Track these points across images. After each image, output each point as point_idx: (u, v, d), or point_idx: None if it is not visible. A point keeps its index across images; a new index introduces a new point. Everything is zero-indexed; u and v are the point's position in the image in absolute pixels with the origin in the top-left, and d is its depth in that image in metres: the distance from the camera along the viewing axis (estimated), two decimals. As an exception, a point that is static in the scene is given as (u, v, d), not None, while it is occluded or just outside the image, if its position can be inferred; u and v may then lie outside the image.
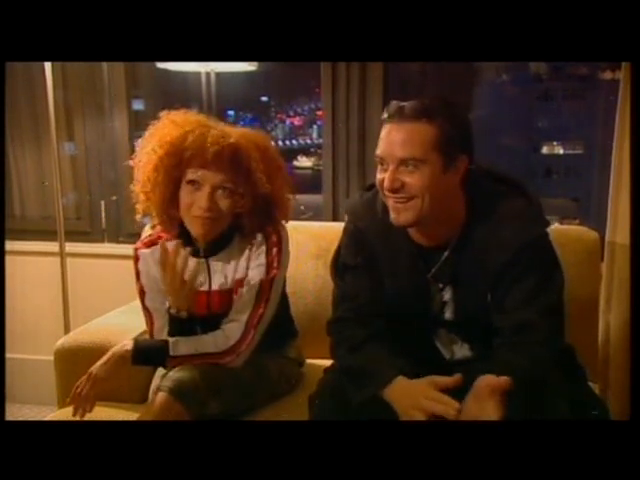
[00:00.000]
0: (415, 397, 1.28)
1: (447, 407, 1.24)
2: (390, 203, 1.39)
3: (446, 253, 1.45)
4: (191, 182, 1.55)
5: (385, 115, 1.38)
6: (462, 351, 1.53)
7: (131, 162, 1.62)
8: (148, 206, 1.61)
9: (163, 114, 1.60)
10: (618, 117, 1.96)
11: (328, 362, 1.57)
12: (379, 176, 1.39)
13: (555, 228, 1.89)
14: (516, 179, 1.48)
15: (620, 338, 1.99)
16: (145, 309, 1.67)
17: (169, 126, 1.56)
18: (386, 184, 1.36)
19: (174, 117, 1.58)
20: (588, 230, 1.94)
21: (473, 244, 1.42)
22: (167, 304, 1.59)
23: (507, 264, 1.38)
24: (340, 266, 1.55)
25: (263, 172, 1.56)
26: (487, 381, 1.24)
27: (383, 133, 1.38)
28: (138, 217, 1.67)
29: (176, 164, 1.55)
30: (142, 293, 1.67)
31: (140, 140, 1.60)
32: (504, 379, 1.23)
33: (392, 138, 1.35)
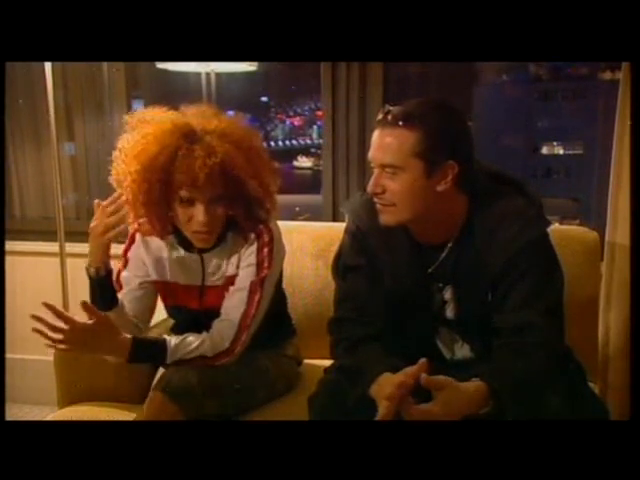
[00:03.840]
0: (386, 388, 1.28)
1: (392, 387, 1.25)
2: (377, 204, 1.43)
3: (445, 252, 1.45)
4: (184, 199, 1.52)
5: (377, 118, 1.40)
6: (462, 351, 1.53)
7: (111, 180, 1.58)
8: (140, 217, 1.58)
9: (130, 120, 1.55)
10: (618, 117, 1.96)
11: (328, 362, 1.57)
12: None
13: (555, 228, 1.89)
14: (517, 179, 1.49)
15: (620, 338, 1.99)
16: (117, 282, 1.67)
17: (143, 144, 1.49)
18: (368, 188, 1.41)
19: (146, 130, 1.51)
20: (588, 230, 1.94)
21: (473, 244, 1.42)
22: (149, 280, 1.66)
23: (507, 264, 1.38)
24: (341, 266, 1.55)
25: (253, 176, 1.54)
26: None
27: (373, 136, 1.41)
28: (130, 228, 1.64)
29: (167, 186, 1.50)
30: (123, 265, 1.69)
31: (115, 153, 1.54)
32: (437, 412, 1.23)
33: (377, 143, 1.38)
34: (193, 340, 1.56)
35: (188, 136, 1.50)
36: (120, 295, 1.66)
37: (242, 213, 1.59)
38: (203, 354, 1.55)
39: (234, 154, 1.52)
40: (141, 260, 1.68)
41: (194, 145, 1.48)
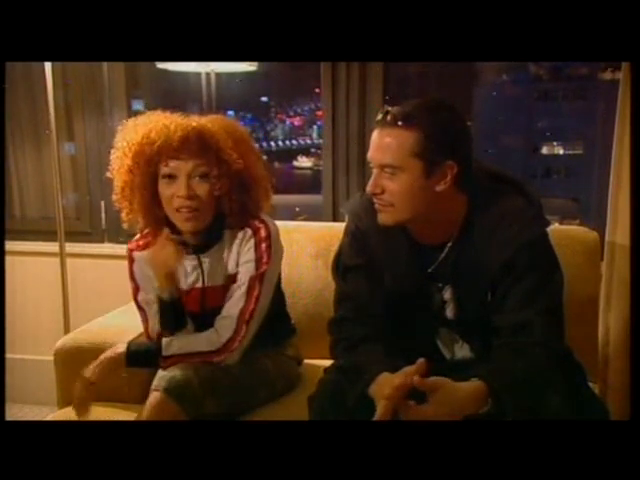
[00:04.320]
0: (385, 389, 1.28)
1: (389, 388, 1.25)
2: (376, 204, 1.43)
3: (444, 252, 1.45)
4: (166, 176, 1.57)
5: (376, 119, 1.40)
6: (462, 351, 1.53)
7: (109, 174, 1.63)
8: (132, 210, 1.62)
9: (128, 121, 1.61)
10: (618, 117, 1.96)
11: (328, 362, 1.57)
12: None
13: (555, 228, 1.89)
14: (516, 179, 1.49)
15: (620, 338, 1.99)
16: (139, 307, 1.68)
17: (134, 129, 1.58)
18: (368, 188, 1.41)
19: (138, 120, 1.60)
20: (588, 230, 1.94)
21: (472, 243, 1.42)
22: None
23: (506, 264, 1.38)
24: (341, 266, 1.55)
25: (233, 149, 1.57)
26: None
27: (372, 137, 1.41)
28: (125, 226, 1.68)
29: (148, 161, 1.56)
30: (136, 290, 1.68)
31: (112, 151, 1.61)
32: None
33: (376, 143, 1.39)
34: (191, 337, 1.58)
35: (170, 118, 1.57)
36: (149, 316, 1.65)
37: (228, 197, 1.59)
38: (199, 350, 1.55)
39: (214, 126, 1.57)
40: (149, 278, 1.67)
41: (174, 120, 1.56)
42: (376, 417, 1.26)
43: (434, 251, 1.47)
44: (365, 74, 2.38)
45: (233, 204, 1.61)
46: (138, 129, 1.56)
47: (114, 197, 1.63)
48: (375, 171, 1.40)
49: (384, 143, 1.36)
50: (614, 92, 1.99)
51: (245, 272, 1.61)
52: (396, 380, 1.27)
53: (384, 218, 1.42)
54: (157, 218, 1.63)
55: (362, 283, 1.50)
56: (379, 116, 1.39)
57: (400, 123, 1.34)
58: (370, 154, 1.41)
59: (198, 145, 1.55)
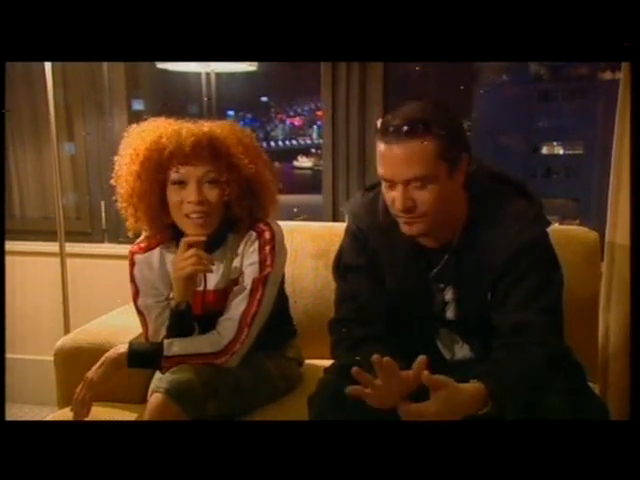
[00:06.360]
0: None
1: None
2: (401, 219, 1.39)
3: (447, 254, 1.45)
4: (176, 182, 1.56)
5: (380, 132, 1.35)
6: (463, 351, 1.53)
7: (112, 182, 1.61)
8: (138, 217, 1.61)
9: (132, 128, 1.60)
10: (618, 117, 1.96)
11: (328, 362, 1.57)
12: (388, 194, 1.38)
13: (555, 228, 1.89)
14: (517, 179, 1.49)
15: (620, 338, 1.99)
16: (138, 311, 1.67)
17: (140, 135, 1.57)
18: (398, 205, 1.35)
19: (143, 127, 1.59)
20: (588, 230, 1.94)
21: (474, 245, 1.42)
22: (166, 296, 1.62)
23: (507, 264, 1.38)
24: (342, 266, 1.55)
25: (244, 154, 1.56)
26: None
27: (382, 152, 1.35)
28: (130, 234, 1.67)
29: (157, 167, 1.55)
30: (136, 294, 1.67)
31: (116, 158, 1.60)
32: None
33: (394, 159, 1.33)
34: (193, 338, 1.57)
35: (177, 123, 1.58)
36: (149, 321, 1.64)
37: (237, 203, 1.59)
38: (201, 351, 1.55)
39: (224, 131, 1.57)
40: (150, 282, 1.67)
41: (184, 125, 1.56)
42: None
43: (436, 252, 1.47)
44: (365, 74, 2.38)
45: (242, 210, 1.60)
46: (145, 135, 1.56)
47: (119, 204, 1.62)
48: (400, 187, 1.34)
49: (407, 156, 1.31)
50: (614, 92, 1.98)
51: (249, 274, 1.60)
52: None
53: (416, 229, 1.38)
54: (164, 225, 1.62)
55: (363, 283, 1.50)
56: (385, 129, 1.33)
57: (417, 132, 1.30)
58: (390, 171, 1.34)
59: (210, 150, 1.54)
